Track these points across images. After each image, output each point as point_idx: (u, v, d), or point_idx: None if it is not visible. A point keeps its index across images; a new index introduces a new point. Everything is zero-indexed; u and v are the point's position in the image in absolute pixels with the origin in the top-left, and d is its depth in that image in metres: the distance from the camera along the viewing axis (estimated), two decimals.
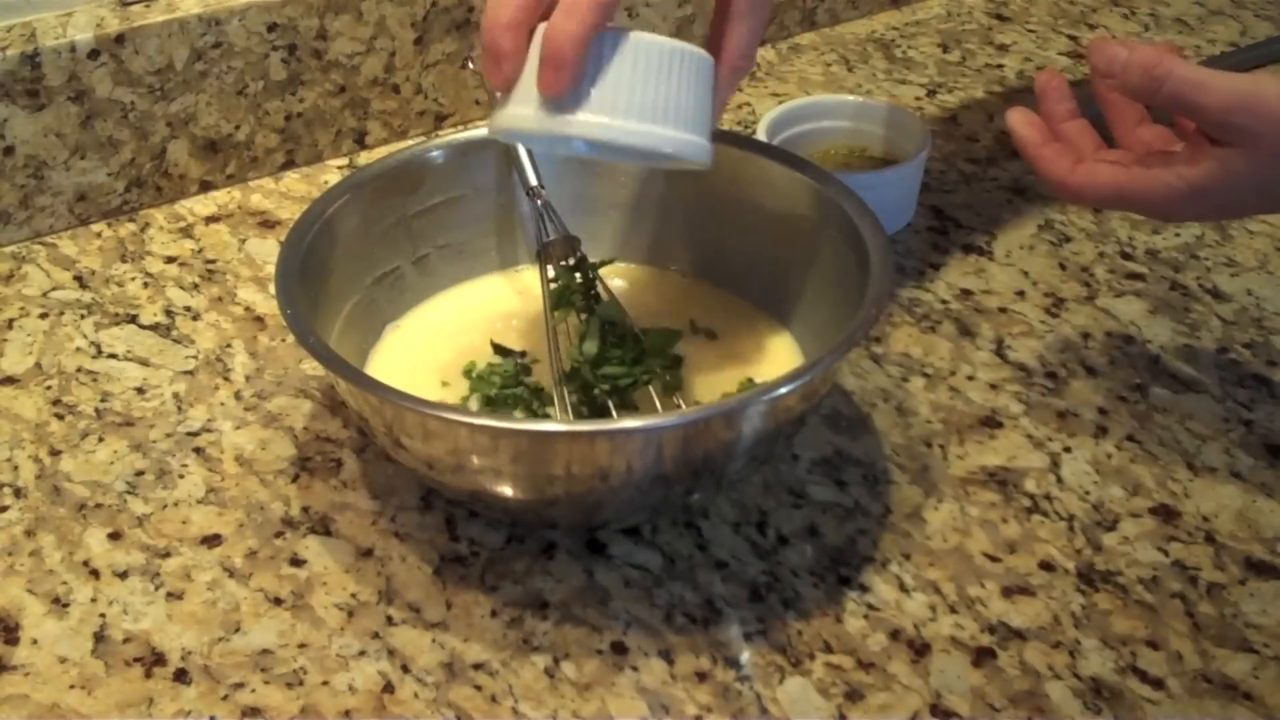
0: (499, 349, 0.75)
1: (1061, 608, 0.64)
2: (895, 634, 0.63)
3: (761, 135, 0.89)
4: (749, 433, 0.63)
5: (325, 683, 0.61)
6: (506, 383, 0.72)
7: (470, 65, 0.97)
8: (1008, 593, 0.65)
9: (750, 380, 0.73)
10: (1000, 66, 1.09)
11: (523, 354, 0.75)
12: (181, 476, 0.72)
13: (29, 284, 0.85)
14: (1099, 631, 0.63)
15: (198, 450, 0.73)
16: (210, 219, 0.91)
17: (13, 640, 0.63)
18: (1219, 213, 0.70)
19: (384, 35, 0.94)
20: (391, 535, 0.68)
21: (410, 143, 0.94)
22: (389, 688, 0.61)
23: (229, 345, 0.80)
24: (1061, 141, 0.69)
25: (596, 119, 0.60)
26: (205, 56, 0.88)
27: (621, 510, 0.66)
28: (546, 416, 0.70)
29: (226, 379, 0.78)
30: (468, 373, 0.74)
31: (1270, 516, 0.69)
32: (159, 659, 0.62)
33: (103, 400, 0.76)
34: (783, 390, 0.62)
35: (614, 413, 0.69)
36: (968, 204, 0.92)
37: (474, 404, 0.72)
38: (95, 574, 0.66)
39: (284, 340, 0.80)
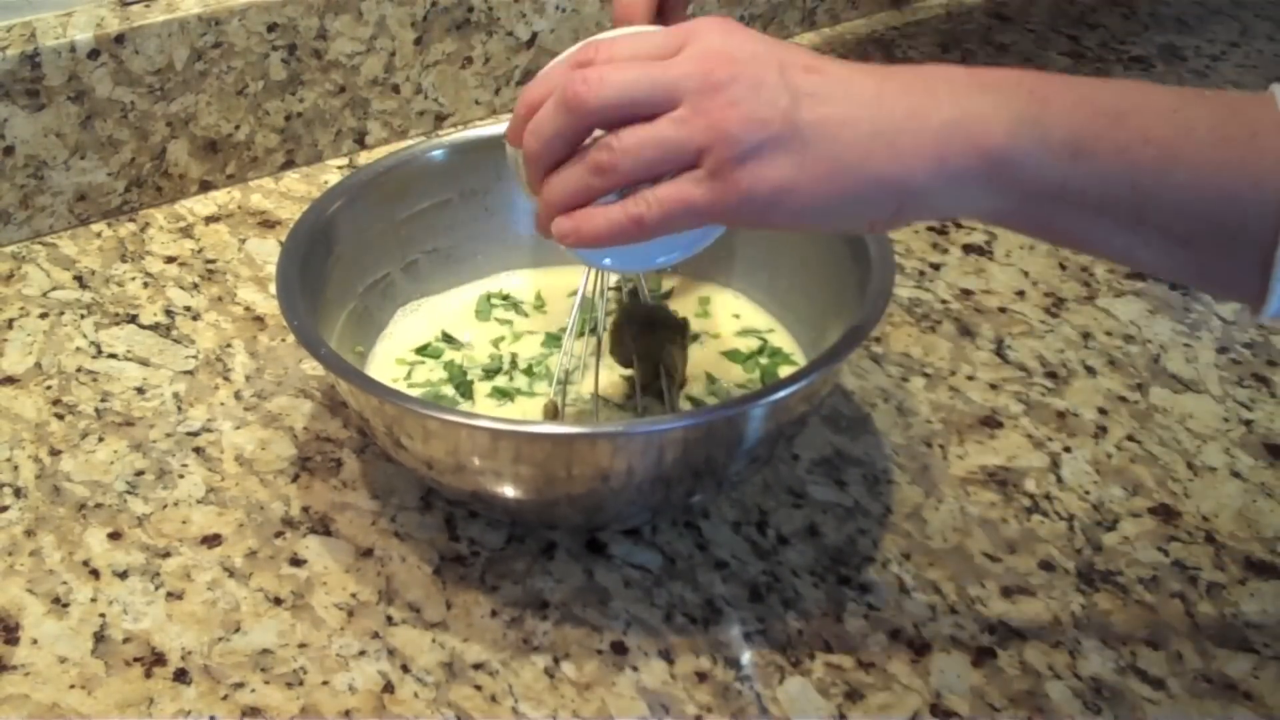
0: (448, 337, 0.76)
1: (1061, 608, 0.64)
2: (895, 634, 0.63)
3: None
4: (750, 435, 0.63)
5: (325, 683, 0.61)
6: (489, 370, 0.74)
7: None
8: (1008, 593, 0.65)
9: (750, 381, 0.73)
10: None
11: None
12: (181, 476, 0.72)
13: (29, 284, 0.85)
14: (1099, 631, 0.63)
15: (198, 450, 0.73)
16: (210, 219, 0.91)
17: (13, 640, 0.63)
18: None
19: (384, 35, 0.94)
20: (391, 535, 0.68)
21: (410, 142, 0.94)
22: (389, 688, 0.61)
23: (229, 345, 0.80)
24: None
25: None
26: (205, 56, 0.88)
27: (622, 511, 0.66)
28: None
29: (226, 379, 0.78)
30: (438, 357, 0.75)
31: (1270, 516, 0.69)
32: (159, 659, 0.62)
33: (103, 400, 0.76)
34: (784, 393, 0.62)
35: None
36: None
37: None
38: (95, 574, 0.66)
39: (284, 340, 0.80)
